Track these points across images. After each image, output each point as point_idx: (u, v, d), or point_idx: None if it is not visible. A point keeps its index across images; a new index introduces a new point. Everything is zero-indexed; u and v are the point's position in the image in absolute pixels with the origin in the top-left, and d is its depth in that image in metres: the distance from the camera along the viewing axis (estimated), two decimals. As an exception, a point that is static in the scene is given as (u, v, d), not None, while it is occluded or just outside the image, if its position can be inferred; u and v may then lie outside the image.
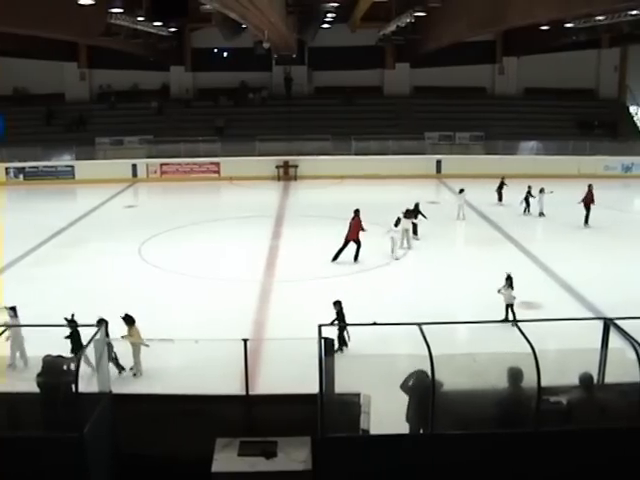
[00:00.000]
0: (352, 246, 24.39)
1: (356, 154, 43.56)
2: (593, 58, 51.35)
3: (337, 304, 16.12)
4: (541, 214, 31.24)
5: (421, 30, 38.03)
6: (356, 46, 47.84)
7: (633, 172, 44.21)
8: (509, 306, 18.02)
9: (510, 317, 17.79)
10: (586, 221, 29.26)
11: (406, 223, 26.00)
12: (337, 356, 9.53)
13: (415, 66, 49.59)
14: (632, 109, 51.49)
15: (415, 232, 27.32)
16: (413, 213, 27.02)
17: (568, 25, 36.46)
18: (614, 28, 36.33)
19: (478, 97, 50.42)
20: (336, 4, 36.50)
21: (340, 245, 24.38)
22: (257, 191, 39.07)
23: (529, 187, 31.63)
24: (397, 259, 24.85)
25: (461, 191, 31.60)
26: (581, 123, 48.16)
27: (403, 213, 25.85)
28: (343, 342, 15.59)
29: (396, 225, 25.25)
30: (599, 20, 33.43)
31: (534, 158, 44.73)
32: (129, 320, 14.91)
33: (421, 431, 9.81)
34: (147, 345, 14.17)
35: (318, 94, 50.03)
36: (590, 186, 29.75)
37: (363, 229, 24.68)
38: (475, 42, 44.00)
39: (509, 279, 18.08)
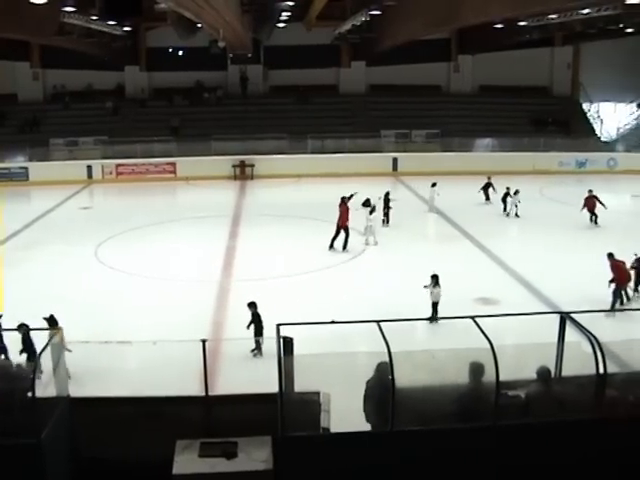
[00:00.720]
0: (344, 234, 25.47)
1: (312, 153, 43.63)
2: (546, 56, 52.02)
3: (252, 305, 16.08)
4: (516, 215, 31.04)
5: (376, 28, 38.17)
6: (312, 45, 47.86)
7: (587, 168, 44.97)
8: (435, 304, 18.09)
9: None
10: (595, 221, 29.17)
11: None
12: (296, 355, 9.49)
13: (371, 64, 49.73)
14: (585, 106, 52.26)
15: (387, 221, 29.54)
16: (384, 202, 29.59)
17: (522, 23, 36.89)
18: (567, 26, 36.90)
19: (433, 95, 50.75)
20: (291, 3, 36.47)
21: (332, 234, 25.47)
22: (213, 191, 38.94)
23: (507, 188, 31.53)
24: (376, 244, 26.18)
25: (433, 185, 32.07)
26: (535, 120, 48.77)
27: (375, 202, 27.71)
28: (258, 346, 15.60)
29: (371, 213, 26.66)
30: (552, 19, 33.90)
31: (489, 155, 45.17)
32: (52, 322, 14.45)
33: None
34: (70, 350, 13.57)
35: (274, 93, 49.97)
36: (590, 191, 29.64)
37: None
38: (430, 40, 44.22)
39: (435, 277, 18.19)
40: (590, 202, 29.15)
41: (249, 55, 44.32)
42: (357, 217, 26.30)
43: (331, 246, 25.45)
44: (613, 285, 19.07)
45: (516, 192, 31.04)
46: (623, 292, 19.32)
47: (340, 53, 50.47)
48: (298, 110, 47.03)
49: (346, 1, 36.35)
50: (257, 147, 43.05)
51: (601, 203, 29.11)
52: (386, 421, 9.53)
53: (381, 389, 9.74)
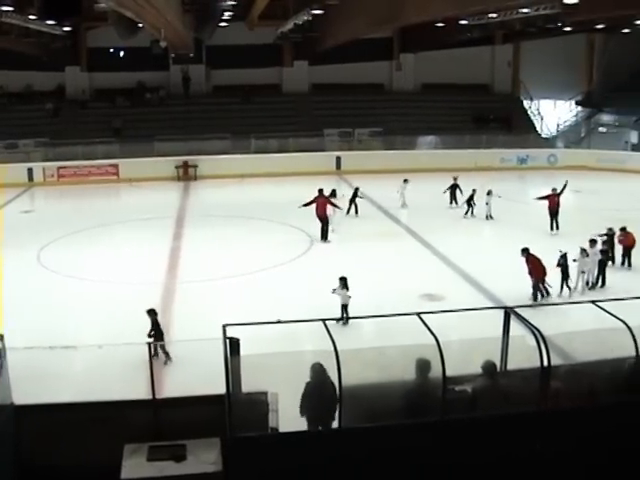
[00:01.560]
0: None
1: (256, 152, 43.49)
2: (487, 54, 52.70)
3: (151, 313, 15.86)
4: (488, 217, 30.08)
5: (319, 28, 38.27)
6: (254, 44, 47.70)
7: (528, 164, 45.70)
8: (344, 306, 17.87)
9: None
10: (556, 226, 27.82)
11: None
12: (243, 355, 9.47)
13: (313, 64, 49.80)
14: (525, 103, 53.11)
15: (356, 212, 30.96)
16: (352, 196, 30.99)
17: (463, 22, 37.24)
18: (507, 25, 37.40)
19: (376, 93, 50.93)
20: (233, 2, 36.33)
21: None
22: (157, 192, 38.58)
23: (473, 190, 30.94)
24: (332, 231, 27.45)
25: (405, 181, 32.26)
26: (477, 117, 49.37)
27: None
28: (166, 353, 15.49)
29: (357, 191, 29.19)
30: (492, 17, 34.29)
31: (432, 152, 45.62)
32: None
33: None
34: None
35: (217, 93, 49.63)
36: (554, 190, 28.32)
37: (335, 206, 27.78)
38: (372, 39, 44.48)
39: (343, 280, 18.09)
40: (553, 201, 27.94)
41: (191, 55, 44.04)
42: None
43: (325, 237, 27.06)
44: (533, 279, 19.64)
45: (489, 192, 30.30)
46: (542, 286, 19.73)
47: (282, 52, 50.40)
48: (241, 110, 46.85)
49: (288, 0, 36.34)
50: (200, 147, 42.75)
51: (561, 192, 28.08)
52: (324, 420, 9.62)
53: (318, 389, 9.81)
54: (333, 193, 29.47)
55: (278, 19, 41.21)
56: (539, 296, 19.67)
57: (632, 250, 23.43)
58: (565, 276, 20.28)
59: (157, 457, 9.75)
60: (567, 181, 28.79)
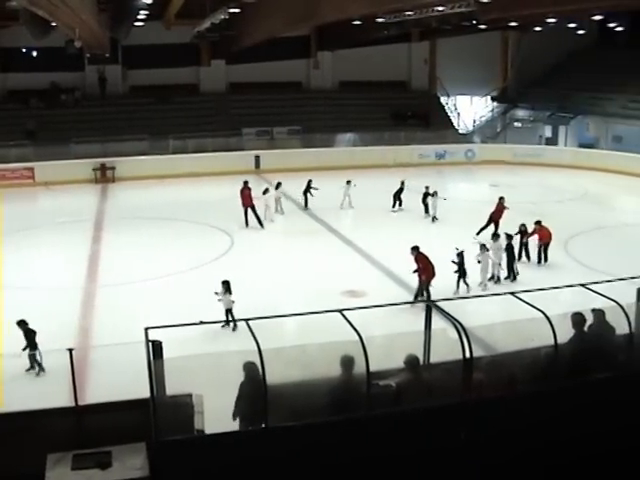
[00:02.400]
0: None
1: (174, 153, 43.08)
2: (404, 51, 53.34)
3: (21, 324, 15.49)
4: (434, 219, 29.79)
5: (236, 26, 38.11)
6: (171, 44, 47.15)
7: (446, 159, 46.41)
8: (228, 311, 17.68)
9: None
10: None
11: (277, 194, 31.11)
12: (166, 358, 9.37)
13: (231, 63, 49.52)
14: (442, 99, 53.91)
15: (306, 205, 32.22)
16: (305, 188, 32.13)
17: (380, 20, 37.56)
18: (423, 23, 37.91)
19: (294, 92, 51.03)
20: (149, 1, 35.87)
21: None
22: (74, 195, 37.83)
23: (426, 187, 30.76)
24: (272, 221, 29.59)
25: (348, 182, 32.10)
26: (395, 114, 49.89)
27: (274, 186, 31.08)
28: (38, 364, 15.25)
29: (264, 193, 29.98)
30: (409, 15, 34.66)
31: (351, 150, 45.91)
32: None
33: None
34: None
35: (134, 93, 48.91)
36: (501, 199, 27.14)
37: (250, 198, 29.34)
38: (290, 37, 44.58)
39: (225, 283, 17.90)
40: (499, 210, 26.61)
41: (107, 55, 43.38)
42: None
43: (259, 223, 28.85)
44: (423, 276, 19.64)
45: (434, 193, 30.05)
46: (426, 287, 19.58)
47: (200, 52, 49.99)
48: (158, 110, 46.29)
49: (205, -1, 36.11)
50: (118, 149, 42.06)
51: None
52: (257, 420, 9.60)
53: (252, 388, 9.78)
54: (278, 185, 31.27)
55: (195, 18, 40.84)
56: (424, 296, 19.34)
57: (548, 245, 23.76)
58: (462, 274, 20.47)
59: (82, 465, 9.57)
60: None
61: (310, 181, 32.44)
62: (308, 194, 32.32)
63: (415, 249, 19.77)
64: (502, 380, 10.78)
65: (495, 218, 26.20)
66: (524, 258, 23.80)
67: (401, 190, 31.94)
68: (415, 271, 19.67)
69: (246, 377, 9.89)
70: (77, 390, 10.43)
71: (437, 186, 31.04)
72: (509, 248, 22.03)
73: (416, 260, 19.63)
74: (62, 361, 10.46)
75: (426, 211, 30.42)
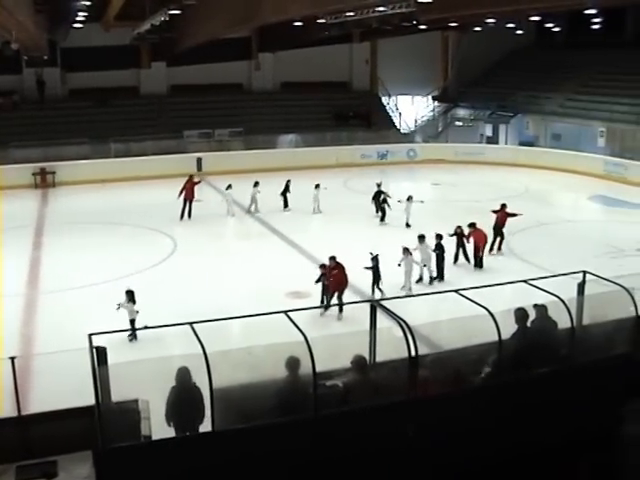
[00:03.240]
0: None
1: (116, 156, 42.52)
2: (345, 52, 53.50)
3: None
4: (408, 224, 28.41)
5: (176, 28, 37.87)
6: (111, 46, 46.48)
7: (388, 159, 46.68)
8: (132, 322, 17.20)
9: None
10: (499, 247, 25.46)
11: (254, 192, 31.45)
12: (111, 364, 9.26)
13: (171, 65, 49.11)
14: (384, 100, 54.25)
15: (286, 205, 32.11)
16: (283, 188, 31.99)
17: (320, 21, 37.63)
18: (363, 23, 38.04)
19: (236, 93, 50.83)
20: (87, 2, 35.46)
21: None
22: (13, 201, 37.04)
23: (378, 185, 30.41)
24: (233, 215, 30.86)
25: (317, 186, 31.61)
26: (337, 115, 50.07)
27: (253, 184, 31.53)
28: None
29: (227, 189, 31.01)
30: (350, 16, 34.76)
31: (293, 151, 45.92)
32: None
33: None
34: None
35: (73, 96, 48.15)
36: (503, 206, 25.82)
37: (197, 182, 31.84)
38: (231, 39, 44.30)
39: (129, 293, 17.59)
40: (502, 217, 25.49)
41: (45, 57, 42.70)
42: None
43: (188, 216, 30.38)
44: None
45: (409, 198, 28.68)
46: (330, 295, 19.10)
47: (140, 54, 49.47)
48: (99, 113, 45.68)
49: (145, 0, 35.72)
50: (58, 153, 41.40)
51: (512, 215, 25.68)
52: (190, 425, 9.57)
53: (183, 393, 9.74)
54: (256, 184, 31.62)
55: (135, 20, 40.42)
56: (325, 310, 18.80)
57: (483, 249, 23.59)
58: (376, 278, 20.19)
59: (26, 477, 9.42)
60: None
61: (289, 181, 32.30)
62: (287, 194, 32.04)
63: (332, 259, 19.34)
64: (447, 377, 10.91)
65: (499, 226, 25.21)
66: (463, 260, 23.72)
67: (380, 193, 30.17)
68: (318, 281, 19.22)
69: (177, 382, 9.85)
70: (20, 399, 10.27)
71: (381, 186, 31.12)
72: (439, 248, 21.93)
73: (331, 270, 19.05)
74: (4, 370, 10.29)
75: (377, 211, 29.88)
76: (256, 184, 31.76)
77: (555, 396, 10.89)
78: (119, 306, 17.36)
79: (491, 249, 24.62)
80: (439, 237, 22.15)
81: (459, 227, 23.60)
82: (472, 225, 23.51)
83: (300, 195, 32.11)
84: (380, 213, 29.74)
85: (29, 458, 9.70)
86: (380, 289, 20.17)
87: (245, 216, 31.58)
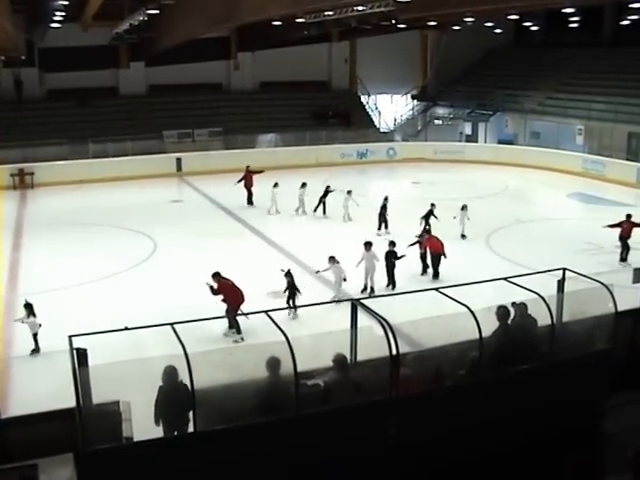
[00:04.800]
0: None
1: (94, 157, 42.29)
2: (325, 51, 53.58)
3: None
4: (463, 236, 26.76)
5: (155, 28, 37.72)
6: (89, 46, 46.14)
7: (368, 158, 46.77)
8: (35, 335, 16.79)
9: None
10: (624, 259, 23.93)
11: (274, 192, 31.26)
12: (91, 366, 9.21)
13: (150, 65, 48.90)
14: (363, 99, 54.34)
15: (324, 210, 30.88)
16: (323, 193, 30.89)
17: (299, 20, 37.61)
18: (342, 23, 38.08)
19: (215, 93, 50.71)
20: (65, 2, 35.26)
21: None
22: (-8, 202, 36.97)
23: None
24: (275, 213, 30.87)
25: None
26: (316, 114, 50.08)
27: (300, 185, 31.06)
28: None
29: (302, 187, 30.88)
30: (328, 15, 34.75)
31: (273, 150, 45.88)
32: None
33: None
34: None
35: (51, 97, 47.85)
36: (629, 216, 24.16)
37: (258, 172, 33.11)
38: (210, 39, 44.25)
39: (28, 306, 16.97)
40: (628, 228, 23.79)
41: (23, 58, 42.38)
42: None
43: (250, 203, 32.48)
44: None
45: (463, 207, 26.99)
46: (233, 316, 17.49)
47: (119, 54, 49.22)
48: (77, 114, 45.44)
49: (123, 0, 35.56)
50: (36, 154, 41.15)
51: (637, 225, 24.00)
52: (179, 424, 9.54)
53: (171, 393, 9.71)
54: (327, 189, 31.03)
55: (113, 19, 40.24)
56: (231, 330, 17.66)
57: (439, 258, 22.25)
58: (291, 294, 19.14)
59: (6, 480, 9.36)
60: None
61: (328, 187, 31.07)
62: (325, 199, 30.83)
63: (216, 275, 17.91)
64: (429, 375, 10.93)
65: (624, 237, 23.85)
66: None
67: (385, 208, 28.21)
68: (223, 300, 17.76)
69: (165, 382, 9.82)
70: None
71: (360, 185, 31.20)
72: (391, 254, 21.12)
73: (219, 289, 17.75)
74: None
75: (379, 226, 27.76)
76: (276, 185, 31.46)
77: (535, 393, 10.95)
78: (21, 321, 16.80)
79: (622, 259, 23.54)
80: (392, 244, 21.38)
81: (421, 235, 22.80)
82: (427, 232, 22.83)
83: (281, 194, 32.00)
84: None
85: (9, 462, 9.62)
86: (294, 306, 18.74)
87: (224, 215, 31.50)
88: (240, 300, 17.58)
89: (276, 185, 31.36)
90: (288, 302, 19.08)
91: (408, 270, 22.04)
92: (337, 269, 20.10)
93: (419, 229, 24.47)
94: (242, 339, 17.28)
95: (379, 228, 27.65)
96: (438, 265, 22.19)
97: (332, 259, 20.06)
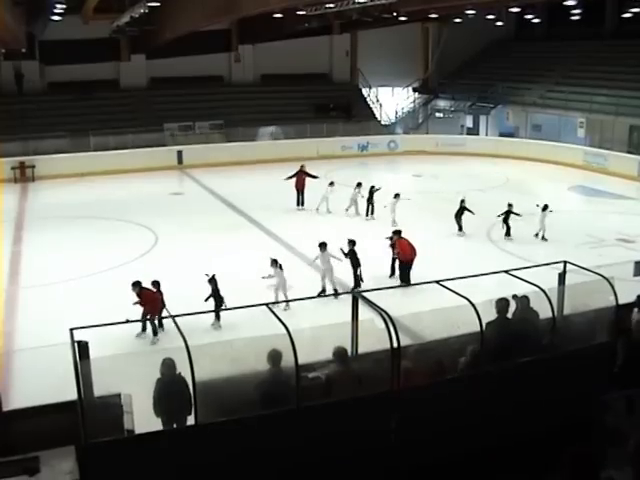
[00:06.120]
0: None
1: (95, 150, 42.25)
2: (326, 44, 53.45)
3: None
4: (544, 238, 25.72)
5: (156, 20, 37.70)
6: (90, 39, 46.10)
7: (369, 150, 46.70)
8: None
9: None
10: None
11: (354, 194, 29.64)
12: (93, 358, 9.22)
13: (151, 57, 48.85)
14: (364, 91, 54.25)
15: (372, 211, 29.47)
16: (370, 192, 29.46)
17: (301, 12, 37.56)
18: (343, 15, 38.00)
19: (216, 86, 50.63)
20: (66, -6, 35.24)
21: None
22: (-7, 195, 36.96)
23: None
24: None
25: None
26: (317, 106, 49.99)
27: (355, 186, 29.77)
28: None
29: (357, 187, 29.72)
30: (329, 7, 34.69)
31: (274, 143, 45.86)
32: None
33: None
34: None
35: (52, 90, 47.84)
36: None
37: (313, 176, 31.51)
38: (211, 31, 44.22)
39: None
40: None
41: (23, 50, 42.36)
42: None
43: (301, 204, 31.01)
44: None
45: (545, 207, 26.13)
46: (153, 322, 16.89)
47: (119, 46, 49.14)
48: (78, 107, 45.31)
49: (124, -8, 35.62)
50: (37, 147, 41.16)
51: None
52: (178, 417, 9.55)
53: (169, 385, 9.73)
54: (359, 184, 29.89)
55: (114, 12, 40.24)
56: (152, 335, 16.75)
57: (410, 263, 20.98)
58: (217, 302, 17.93)
59: (8, 473, 9.34)
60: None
61: (373, 187, 29.45)
62: (372, 202, 29.28)
63: (136, 285, 17.24)
64: (430, 367, 10.93)
65: None
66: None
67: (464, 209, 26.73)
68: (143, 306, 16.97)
69: (163, 374, 9.82)
70: (1, 395, 10.20)
71: (361, 177, 31.13)
72: (352, 254, 20.40)
73: (142, 298, 17.03)
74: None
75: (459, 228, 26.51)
76: (331, 184, 30.45)
77: (536, 386, 10.95)
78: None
79: None
80: (352, 243, 20.48)
81: (391, 237, 21.79)
82: (396, 233, 21.67)
83: (286, 186, 31.93)
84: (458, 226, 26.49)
85: (10, 454, 9.65)
86: (218, 317, 17.84)
87: (225, 208, 31.48)
88: (159, 307, 16.90)
89: (331, 184, 30.41)
90: (216, 313, 17.65)
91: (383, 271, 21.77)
92: (279, 274, 19.25)
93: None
94: (157, 341, 16.36)
95: (367, 214, 29.05)
96: (406, 272, 20.94)
97: (275, 262, 19.25)
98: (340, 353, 10.33)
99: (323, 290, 20.16)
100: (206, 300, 17.59)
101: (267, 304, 10.23)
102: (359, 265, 20.51)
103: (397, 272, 21.53)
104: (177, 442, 9.48)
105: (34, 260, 24.16)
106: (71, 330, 9.30)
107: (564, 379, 11.11)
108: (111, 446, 9.23)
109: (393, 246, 21.51)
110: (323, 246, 20.19)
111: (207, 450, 9.37)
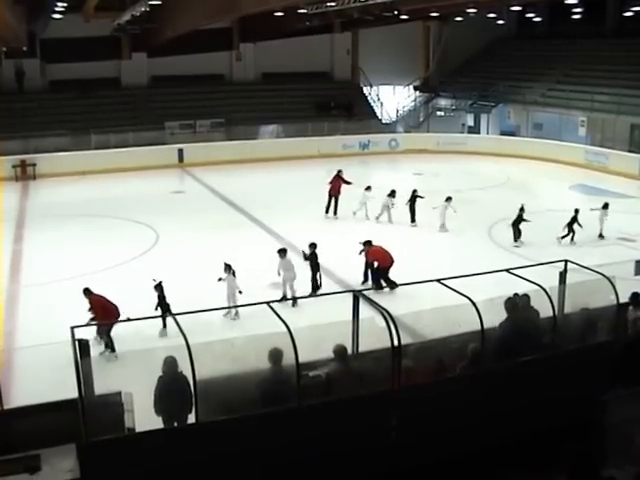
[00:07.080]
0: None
1: (96, 148, 42.21)
2: (326, 42, 53.38)
3: None
4: (601, 236, 25.67)
5: (157, 19, 37.70)
6: (91, 37, 46.07)
7: (370, 149, 46.67)
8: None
9: None
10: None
11: (387, 201, 28.06)
12: (93, 356, 9.24)
13: (152, 56, 48.82)
14: (365, 90, 54.22)
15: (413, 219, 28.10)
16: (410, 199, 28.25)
17: (301, 11, 37.54)
18: (344, 14, 37.97)
19: (217, 84, 50.64)
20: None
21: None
22: (-6, 193, 36.95)
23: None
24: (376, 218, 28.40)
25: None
26: (318, 105, 49.96)
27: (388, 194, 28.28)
28: None
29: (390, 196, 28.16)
30: (330, 6, 34.67)
31: (275, 141, 45.84)
32: None
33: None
34: None
35: (53, 88, 47.84)
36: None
37: (347, 182, 29.85)
38: (212, 29, 44.23)
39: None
40: None
41: (24, 49, 42.34)
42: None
43: (333, 213, 29.55)
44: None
45: (604, 207, 26.12)
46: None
47: (120, 45, 49.12)
48: (79, 105, 45.33)
49: (125, -9, 35.65)
50: (38, 145, 41.13)
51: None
52: (179, 415, 9.55)
53: (171, 383, 9.73)
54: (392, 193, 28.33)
55: (115, 10, 40.25)
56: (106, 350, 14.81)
57: (387, 271, 20.41)
58: (163, 308, 17.11)
59: (9, 471, 9.35)
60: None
61: (415, 191, 28.29)
62: (415, 205, 28.17)
63: (86, 292, 16.53)
64: (430, 366, 10.94)
65: None
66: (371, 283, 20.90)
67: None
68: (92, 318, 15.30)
69: (165, 372, 9.82)
70: (2, 394, 10.21)
71: (362, 176, 31.07)
72: (313, 258, 20.17)
73: (90, 302, 16.01)
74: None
75: (515, 237, 25.27)
76: (368, 188, 29.31)
77: (537, 384, 10.96)
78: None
79: None
80: (313, 246, 20.29)
81: (367, 242, 20.95)
82: (367, 243, 20.97)
83: (289, 186, 31.95)
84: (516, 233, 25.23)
85: (11, 452, 9.65)
86: (164, 323, 16.12)
87: (226, 207, 31.46)
88: (114, 317, 15.03)
89: (368, 188, 29.11)
90: (162, 318, 16.07)
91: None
92: (230, 280, 18.58)
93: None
94: (116, 357, 14.18)
95: (412, 220, 27.96)
96: (384, 276, 20.40)
97: (228, 268, 18.58)
98: (341, 352, 10.34)
99: (284, 296, 19.31)
100: (155, 308, 16.92)
101: (268, 302, 10.22)
102: (318, 269, 20.11)
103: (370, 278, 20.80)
104: (178, 440, 9.49)
105: (35, 258, 24.17)
106: (72, 328, 9.31)
107: (564, 378, 11.12)
108: (112, 444, 9.24)
109: (366, 254, 20.74)
110: (283, 252, 19.69)
111: (208, 448, 9.37)
